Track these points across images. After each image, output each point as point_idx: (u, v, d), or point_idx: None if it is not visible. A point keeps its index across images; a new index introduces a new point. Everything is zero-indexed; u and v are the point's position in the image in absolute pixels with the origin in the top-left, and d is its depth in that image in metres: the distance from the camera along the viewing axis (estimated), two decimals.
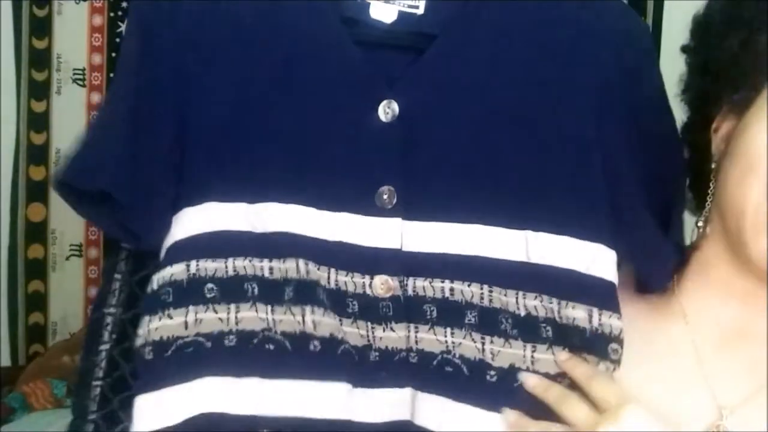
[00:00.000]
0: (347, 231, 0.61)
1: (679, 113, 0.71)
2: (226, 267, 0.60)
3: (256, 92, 0.63)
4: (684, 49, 0.69)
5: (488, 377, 0.60)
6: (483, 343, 0.60)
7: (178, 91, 0.62)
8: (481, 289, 0.61)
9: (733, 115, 0.64)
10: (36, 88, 2.33)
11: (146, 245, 0.63)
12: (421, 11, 0.63)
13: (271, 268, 0.60)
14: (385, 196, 0.61)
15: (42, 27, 2.33)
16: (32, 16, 2.32)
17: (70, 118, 2.36)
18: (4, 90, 2.27)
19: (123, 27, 2.39)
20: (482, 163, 0.62)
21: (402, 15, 0.63)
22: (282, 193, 0.61)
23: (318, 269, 0.60)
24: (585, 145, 0.63)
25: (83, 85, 2.38)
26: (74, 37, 2.37)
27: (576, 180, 0.62)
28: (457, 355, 0.60)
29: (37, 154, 2.33)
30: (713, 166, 0.65)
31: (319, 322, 0.59)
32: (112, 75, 2.39)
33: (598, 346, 0.61)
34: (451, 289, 0.61)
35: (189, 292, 0.60)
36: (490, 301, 0.61)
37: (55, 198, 2.36)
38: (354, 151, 0.62)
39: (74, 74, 2.37)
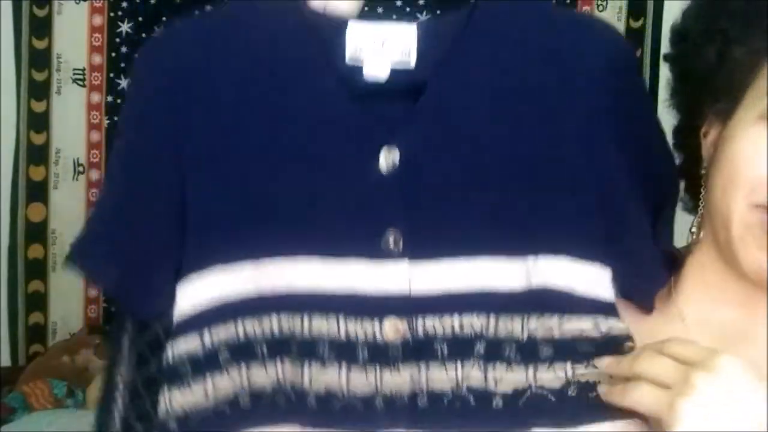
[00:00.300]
0: (355, 277, 0.62)
1: (669, 117, 0.72)
2: (237, 332, 0.62)
3: (255, 150, 0.64)
4: (665, 58, 0.70)
5: (494, 404, 0.61)
6: (487, 372, 0.61)
7: (177, 155, 0.64)
8: (488, 318, 0.62)
9: (718, 122, 0.64)
10: (36, 88, 2.33)
11: (147, 317, 0.66)
12: (412, 65, 0.65)
13: (280, 326, 0.62)
14: (391, 240, 0.62)
15: (42, 27, 2.33)
16: (32, 16, 2.32)
17: (70, 118, 2.36)
18: (4, 90, 2.27)
19: (123, 27, 2.40)
20: (483, 196, 0.64)
21: (395, 69, 0.65)
22: (287, 246, 0.62)
23: (327, 320, 0.61)
24: (580, 168, 0.64)
25: (83, 85, 2.38)
26: (74, 37, 2.36)
27: (573, 202, 0.64)
28: (464, 388, 0.61)
29: (37, 154, 2.33)
30: (703, 171, 0.65)
31: (315, 378, 0.60)
32: (111, 75, 2.39)
33: (613, 347, 0.62)
34: (461, 324, 0.62)
35: (205, 363, 0.62)
36: (496, 330, 0.62)
37: (55, 198, 2.36)
38: (357, 198, 0.63)
39: (74, 74, 2.37)
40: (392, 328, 0.61)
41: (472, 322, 0.61)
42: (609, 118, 0.65)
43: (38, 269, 2.35)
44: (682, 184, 0.71)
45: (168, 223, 0.64)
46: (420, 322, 0.61)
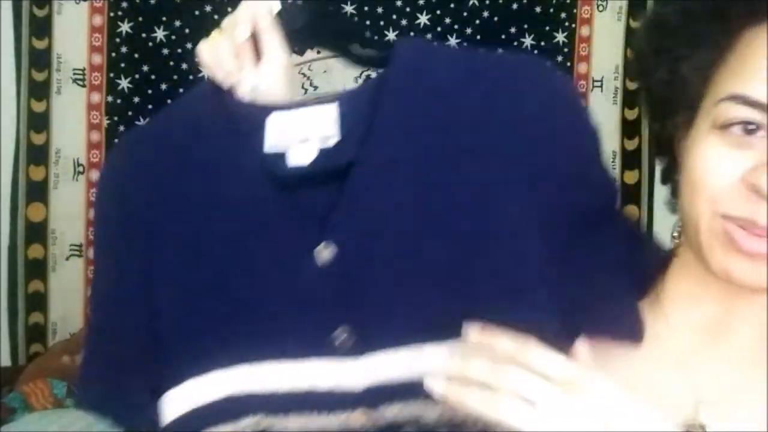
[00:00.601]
0: (315, 376, 0.63)
1: None
2: None
3: (198, 258, 0.66)
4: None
5: None
6: None
7: (140, 275, 0.67)
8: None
9: (684, 131, 0.66)
10: (36, 88, 2.33)
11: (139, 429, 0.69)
12: (335, 147, 0.64)
13: (256, 427, 0.63)
14: (343, 337, 0.63)
15: (42, 27, 2.33)
16: (32, 16, 2.32)
17: (70, 118, 2.36)
18: (4, 90, 2.27)
19: (123, 27, 2.40)
20: (422, 282, 0.63)
21: (319, 154, 0.65)
22: (249, 353, 0.64)
23: (287, 419, 0.63)
24: (518, 239, 0.63)
25: (83, 85, 2.38)
26: (74, 37, 2.37)
27: (513, 274, 0.62)
28: None
29: (37, 154, 2.33)
30: (676, 177, 0.67)
31: None
32: (111, 75, 2.39)
33: None
34: (423, 409, 0.62)
35: None
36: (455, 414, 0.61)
37: (55, 198, 2.36)
38: (301, 296, 0.64)
39: (74, 74, 2.37)
40: (358, 421, 0.62)
41: (433, 408, 0.61)
42: (547, 170, 0.63)
43: (38, 269, 2.35)
44: (667, 189, 0.72)
45: (141, 344, 0.67)
46: (386, 410, 0.62)
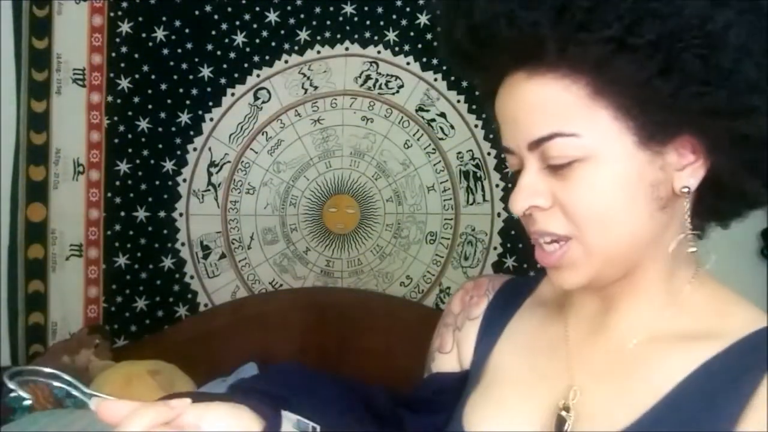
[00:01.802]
0: None
1: None
2: None
3: None
4: None
5: None
6: None
7: None
8: None
9: None
10: (36, 88, 2.33)
11: None
12: None
13: None
14: None
15: (42, 27, 2.33)
16: (32, 16, 2.32)
17: (70, 118, 2.36)
18: (4, 90, 2.27)
19: (123, 27, 2.40)
20: None
21: None
22: None
23: None
24: None
25: (83, 85, 2.38)
26: (74, 37, 2.37)
27: None
28: None
29: (37, 154, 2.34)
30: None
31: None
32: (111, 75, 2.40)
33: None
34: None
35: None
36: None
37: (55, 198, 2.36)
38: None
39: (74, 74, 2.37)
40: None
41: None
42: None
43: (38, 269, 2.35)
44: None
45: None
46: None
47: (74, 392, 0.63)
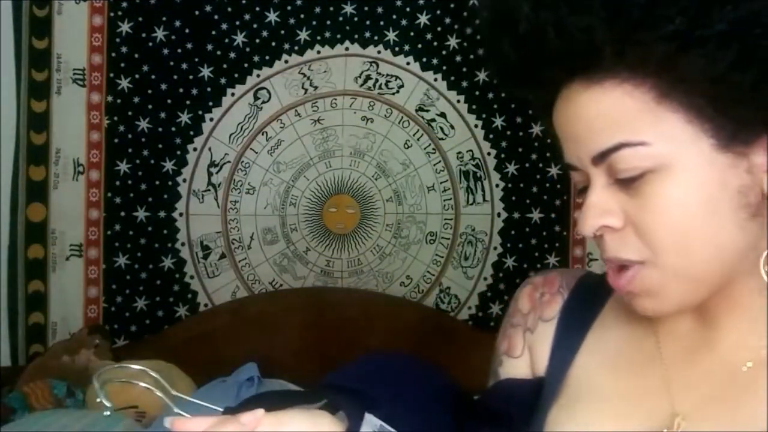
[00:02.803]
0: None
1: None
2: None
3: None
4: None
5: None
6: None
7: None
8: None
9: None
10: (36, 88, 2.33)
11: None
12: None
13: None
14: None
15: (42, 27, 2.33)
16: (32, 16, 2.32)
17: (70, 118, 2.36)
18: (4, 90, 2.27)
19: (123, 27, 2.40)
20: None
21: None
22: None
23: None
24: None
25: (83, 85, 2.38)
26: (74, 37, 2.37)
27: None
28: None
29: (37, 154, 2.34)
30: None
31: None
32: (111, 75, 2.40)
33: None
34: None
35: None
36: None
37: (55, 198, 2.36)
38: None
39: (74, 74, 2.37)
40: None
41: None
42: None
43: (38, 269, 2.35)
44: None
45: None
46: None
47: (158, 393, 0.63)
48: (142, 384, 0.64)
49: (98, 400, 0.62)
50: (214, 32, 2.43)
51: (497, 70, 0.67)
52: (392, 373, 0.75)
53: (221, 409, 0.64)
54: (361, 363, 0.80)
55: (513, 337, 0.79)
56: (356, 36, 2.46)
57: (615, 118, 0.59)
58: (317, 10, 2.45)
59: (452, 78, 2.45)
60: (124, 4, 2.40)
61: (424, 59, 2.45)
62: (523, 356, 0.78)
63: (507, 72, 0.66)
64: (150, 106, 2.42)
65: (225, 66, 2.44)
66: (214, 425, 0.57)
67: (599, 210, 0.61)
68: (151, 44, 2.41)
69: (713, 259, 0.60)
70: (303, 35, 2.46)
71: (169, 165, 2.44)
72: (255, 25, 2.44)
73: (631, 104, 0.58)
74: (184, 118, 2.44)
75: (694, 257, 0.59)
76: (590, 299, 0.76)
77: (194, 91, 2.44)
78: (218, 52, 2.44)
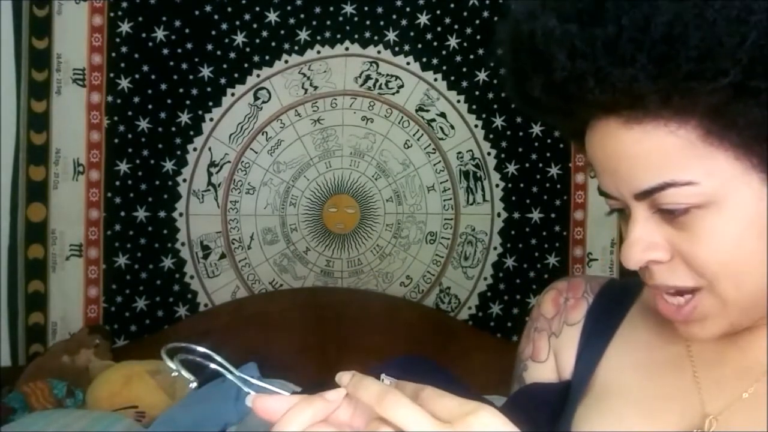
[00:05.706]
0: None
1: None
2: None
3: None
4: None
5: None
6: None
7: None
8: None
9: None
10: (36, 88, 2.33)
11: None
12: None
13: None
14: None
15: (42, 27, 2.33)
16: (32, 16, 2.32)
17: (70, 118, 2.37)
18: (4, 90, 2.27)
19: (123, 27, 2.40)
20: None
21: None
22: None
23: None
24: None
25: (83, 85, 2.38)
26: (74, 37, 2.37)
27: None
28: None
29: (37, 154, 2.34)
30: None
31: None
32: (111, 75, 2.40)
33: None
34: None
35: None
36: None
37: (55, 198, 2.36)
38: None
39: (74, 74, 2.37)
40: None
41: None
42: None
43: (38, 269, 2.35)
44: None
45: None
46: None
47: (228, 376, 0.60)
48: (212, 366, 0.61)
49: (173, 374, 0.59)
50: (214, 32, 2.43)
51: (522, 104, 0.63)
52: (419, 377, 0.73)
53: (288, 393, 0.61)
54: (386, 366, 0.76)
55: (538, 341, 0.78)
56: (356, 36, 2.46)
57: (659, 158, 0.56)
58: (317, 10, 2.46)
59: (452, 78, 2.45)
60: (124, 4, 2.40)
61: (424, 59, 2.45)
62: (549, 360, 0.77)
63: (534, 107, 0.63)
64: (150, 106, 2.42)
65: (225, 66, 2.44)
66: (297, 402, 0.53)
67: (644, 244, 0.59)
68: (151, 44, 2.41)
69: (762, 291, 0.58)
70: (303, 35, 2.46)
71: (169, 165, 2.44)
72: (255, 25, 2.45)
73: (676, 143, 0.56)
74: (184, 118, 2.44)
75: (744, 289, 0.58)
76: (615, 303, 0.75)
77: (194, 91, 2.44)
78: (218, 52, 2.44)
